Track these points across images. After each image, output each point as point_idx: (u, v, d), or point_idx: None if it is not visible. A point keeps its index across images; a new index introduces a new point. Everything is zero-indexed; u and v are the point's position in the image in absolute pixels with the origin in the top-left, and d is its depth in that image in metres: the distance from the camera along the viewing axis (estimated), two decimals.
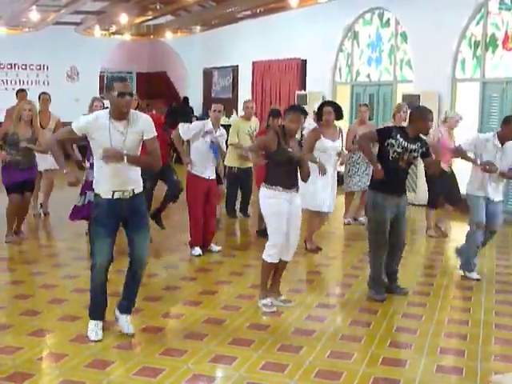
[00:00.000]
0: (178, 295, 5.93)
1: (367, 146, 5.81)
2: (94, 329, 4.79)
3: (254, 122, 9.38)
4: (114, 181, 4.64)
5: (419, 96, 10.67)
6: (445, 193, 8.45)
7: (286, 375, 4.22)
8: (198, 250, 7.28)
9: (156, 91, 20.47)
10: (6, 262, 7.23)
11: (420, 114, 5.73)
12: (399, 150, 5.64)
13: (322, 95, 13.44)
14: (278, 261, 5.56)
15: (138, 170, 4.78)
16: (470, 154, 6.47)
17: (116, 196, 4.65)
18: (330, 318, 5.39)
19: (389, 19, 12.21)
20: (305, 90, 14.17)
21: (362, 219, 9.04)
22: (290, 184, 5.44)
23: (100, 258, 4.71)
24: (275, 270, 5.69)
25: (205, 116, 17.02)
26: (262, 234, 8.14)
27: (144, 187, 4.90)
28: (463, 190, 8.13)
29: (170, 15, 15.54)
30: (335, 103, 7.70)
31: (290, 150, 5.40)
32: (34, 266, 6.87)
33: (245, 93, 16.08)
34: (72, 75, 18.97)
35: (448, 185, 8.35)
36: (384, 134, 5.74)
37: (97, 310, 4.87)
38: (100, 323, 4.84)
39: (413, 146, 5.70)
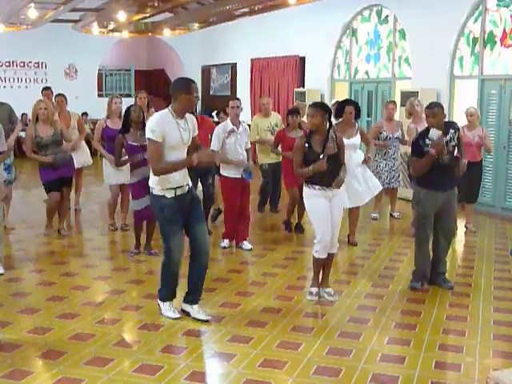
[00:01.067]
0: (179, 293, 5.91)
1: (425, 166, 5.85)
2: (169, 309, 5.20)
3: (275, 118, 9.46)
4: (175, 179, 4.89)
5: (418, 93, 10.66)
6: (464, 188, 8.40)
7: (285, 372, 4.23)
8: (226, 243, 7.62)
9: (155, 88, 20.48)
10: (7, 260, 7.22)
11: (427, 111, 5.92)
12: None
13: (320, 92, 13.46)
14: (325, 256, 5.71)
15: None
16: None
17: (179, 192, 4.92)
18: (328, 315, 5.40)
19: (387, 16, 12.20)
20: (303, 87, 14.18)
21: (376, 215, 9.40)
22: (328, 182, 5.52)
23: (178, 254, 5.03)
24: (324, 264, 5.86)
25: (203, 113, 17.16)
26: (287, 225, 8.50)
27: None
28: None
29: (168, 12, 15.55)
30: (355, 102, 7.73)
31: (319, 153, 5.48)
32: (33, 264, 6.88)
33: (243, 90, 16.10)
34: (70, 73, 18.97)
35: (469, 180, 8.24)
36: (420, 150, 5.83)
37: (169, 293, 5.24)
38: (172, 303, 5.25)
39: (445, 138, 5.79)
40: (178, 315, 5.14)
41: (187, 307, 5.22)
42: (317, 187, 5.54)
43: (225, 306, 5.54)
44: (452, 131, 5.88)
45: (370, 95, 12.62)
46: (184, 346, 4.66)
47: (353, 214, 7.85)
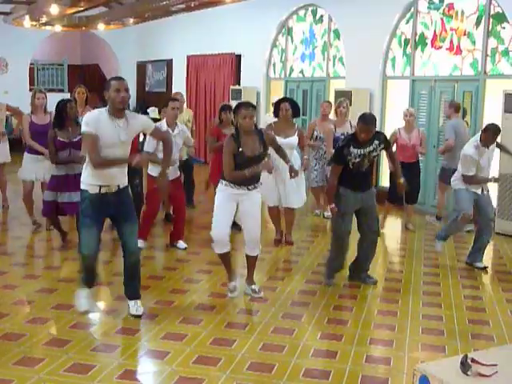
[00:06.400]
0: (113, 290, 5.85)
1: (332, 185, 5.99)
2: (82, 296, 5.28)
3: (188, 114, 9.40)
4: (102, 177, 4.89)
5: (351, 93, 10.85)
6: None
7: (219, 368, 4.24)
8: (141, 243, 7.23)
9: (89, 84, 20.10)
10: None
11: (361, 124, 5.81)
12: (358, 159, 5.84)
13: (256, 90, 13.52)
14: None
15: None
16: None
17: (103, 191, 4.92)
18: (262, 312, 5.42)
19: (322, 16, 12.35)
20: (239, 85, 14.21)
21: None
22: (246, 182, 5.46)
23: (87, 249, 5.07)
24: (247, 264, 5.86)
25: (139, 110, 16.99)
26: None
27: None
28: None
29: (103, 7, 15.31)
30: (291, 99, 7.76)
31: (248, 153, 5.41)
32: None
33: (179, 87, 15.98)
34: (1, 67, 18.43)
35: (408, 181, 8.35)
36: (342, 159, 5.87)
37: (85, 281, 5.31)
38: (88, 292, 5.32)
39: (369, 148, 5.87)
40: (85, 308, 5.21)
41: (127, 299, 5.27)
42: (232, 184, 5.46)
43: (158, 304, 5.50)
44: (377, 142, 5.92)
45: (304, 94, 12.75)
46: (117, 344, 4.61)
47: (288, 214, 7.81)
